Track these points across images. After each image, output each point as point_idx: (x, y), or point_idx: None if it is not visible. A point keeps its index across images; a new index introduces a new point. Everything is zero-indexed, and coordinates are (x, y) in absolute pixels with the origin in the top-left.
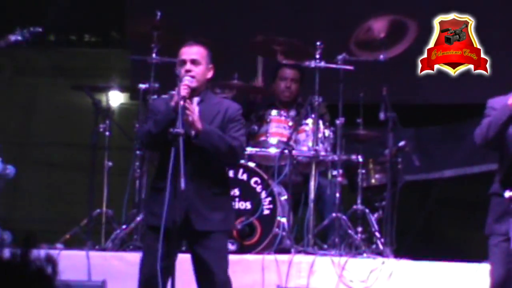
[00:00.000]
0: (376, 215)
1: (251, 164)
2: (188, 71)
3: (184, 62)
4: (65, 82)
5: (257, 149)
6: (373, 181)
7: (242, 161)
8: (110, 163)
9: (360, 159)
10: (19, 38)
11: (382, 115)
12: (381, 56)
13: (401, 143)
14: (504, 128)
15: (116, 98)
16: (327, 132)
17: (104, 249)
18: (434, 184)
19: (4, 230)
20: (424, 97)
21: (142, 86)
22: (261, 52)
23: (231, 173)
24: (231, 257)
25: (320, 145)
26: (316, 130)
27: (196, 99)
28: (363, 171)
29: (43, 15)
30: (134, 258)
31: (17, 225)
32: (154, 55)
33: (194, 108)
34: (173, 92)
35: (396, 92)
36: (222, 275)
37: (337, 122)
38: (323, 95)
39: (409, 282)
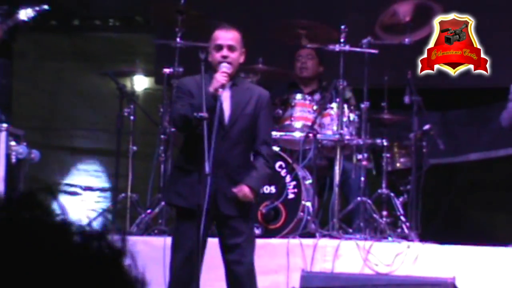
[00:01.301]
0: (401, 199)
1: (276, 148)
2: (225, 57)
3: (220, 47)
4: (90, 67)
5: (282, 133)
6: (398, 165)
7: None
8: (134, 148)
9: (385, 143)
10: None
11: (407, 99)
12: (406, 40)
13: (426, 127)
14: None
15: (140, 83)
16: (352, 116)
17: (129, 234)
18: (459, 168)
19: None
20: (449, 81)
21: (167, 70)
22: (285, 36)
23: None
24: (256, 241)
25: (345, 129)
26: (340, 114)
27: (228, 83)
28: (388, 155)
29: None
30: (159, 242)
31: None
32: (178, 39)
33: (244, 191)
34: (196, 77)
35: (421, 76)
36: (248, 258)
37: (362, 106)
38: (347, 79)
39: (435, 266)
